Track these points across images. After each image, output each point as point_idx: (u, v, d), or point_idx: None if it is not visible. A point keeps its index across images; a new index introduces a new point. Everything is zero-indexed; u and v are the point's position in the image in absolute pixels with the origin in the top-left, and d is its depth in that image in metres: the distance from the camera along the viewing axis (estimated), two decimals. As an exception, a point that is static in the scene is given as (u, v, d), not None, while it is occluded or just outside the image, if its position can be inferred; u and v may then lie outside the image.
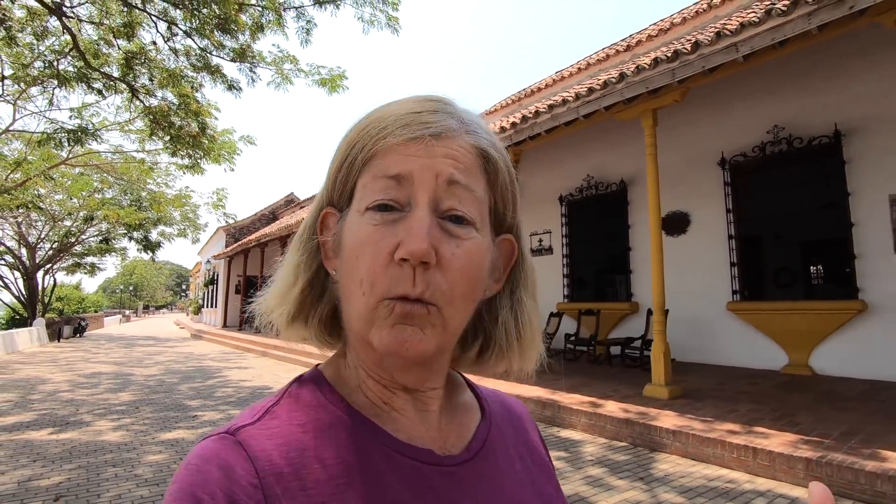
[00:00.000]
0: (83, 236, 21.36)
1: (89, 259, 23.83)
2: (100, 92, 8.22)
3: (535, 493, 0.47)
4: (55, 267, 23.38)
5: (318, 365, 0.46)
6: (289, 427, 0.39)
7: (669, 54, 4.82)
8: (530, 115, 6.56)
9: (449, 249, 0.38)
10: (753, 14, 4.31)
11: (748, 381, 5.93)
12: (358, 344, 0.42)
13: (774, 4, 4.25)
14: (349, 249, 0.40)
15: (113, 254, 24.00)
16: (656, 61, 4.93)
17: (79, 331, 21.59)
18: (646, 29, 8.83)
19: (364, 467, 0.38)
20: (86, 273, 24.88)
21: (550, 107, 6.28)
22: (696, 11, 8.02)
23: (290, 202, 24.90)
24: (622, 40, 9.34)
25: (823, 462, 3.26)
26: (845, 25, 4.08)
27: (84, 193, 16.09)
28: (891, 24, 3.91)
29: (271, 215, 24.77)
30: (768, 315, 6.59)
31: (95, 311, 37.31)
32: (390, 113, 0.41)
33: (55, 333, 19.16)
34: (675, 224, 7.78)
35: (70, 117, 9.84)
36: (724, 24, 4.95)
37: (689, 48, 4.68)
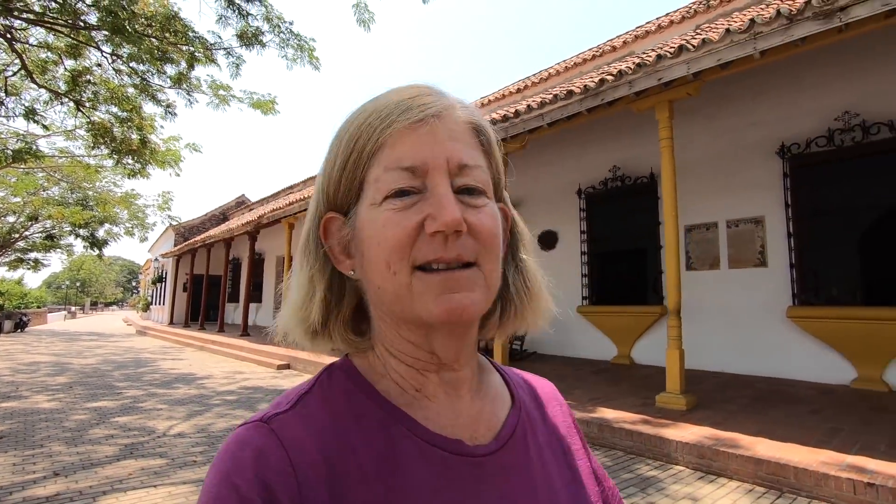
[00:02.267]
0: (27, 233, 21.52)
1: (33, 255, 23.87)
2: (45, 127, 9.22)
3: (563, 483, 0.47)
4: (-4, 262, 23.33)
5: (347, 354, 0.47)
6: (321, 415, 0.40)
7: (513, 112, 6.33)
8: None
9: (473, 216, 0.40)
10: (560, 90, 5.88)
11: (576, 368, 7.54)
12: (394, 328, 0.43)
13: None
14: (371, 239, 0.40)
15: (58, 250, 24.14)
16: (505, 118, 6.43)
17: (20, 326, 21.67)
18: (571, 57, 10.96)
19: (393, 458, 0.39)
20: (29, 268, 24.86)
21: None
22: (613, 46, 10.05)
23: (241, 203, 25.62)
24: (557, 64, 11.46)
25: (554, 414, 4.79)
26: (606, 111, 5.69)
27: (29, 192, 16.52)
28: (636, 110, 5.54)
29: (222, 216, 25.42)
30: (603, 316, 8.26)
31: (38, 307, 36.62)
32: (386, 102, 0.42)
33: (-5, 328, 19.33)
34: (547, 240, 9.40)
35: (16, 141, 10.71)
36: (548, 93, 6.51)
37: (525, 109, 6.19)
